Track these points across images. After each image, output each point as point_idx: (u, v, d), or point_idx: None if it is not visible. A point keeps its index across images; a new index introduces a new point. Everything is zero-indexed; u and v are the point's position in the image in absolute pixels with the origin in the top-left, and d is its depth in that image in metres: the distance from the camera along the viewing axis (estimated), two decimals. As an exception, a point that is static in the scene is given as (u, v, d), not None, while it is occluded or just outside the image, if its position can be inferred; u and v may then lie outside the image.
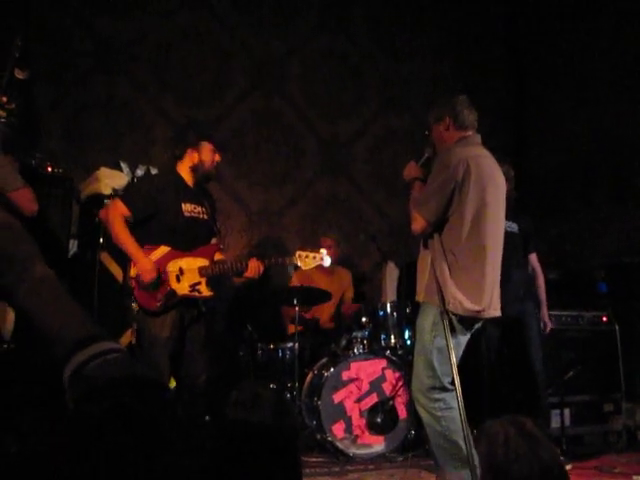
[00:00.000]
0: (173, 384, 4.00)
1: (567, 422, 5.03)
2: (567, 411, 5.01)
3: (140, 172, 5.26)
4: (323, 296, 5.40)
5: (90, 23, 5.81)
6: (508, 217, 4.72)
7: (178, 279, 4.01)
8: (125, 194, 4.25)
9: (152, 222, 4.04)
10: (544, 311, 5.05)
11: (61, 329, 1.01)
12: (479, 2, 7.28)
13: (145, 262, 3.91)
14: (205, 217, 4.20)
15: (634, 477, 4.19)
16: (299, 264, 4.33)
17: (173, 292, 3.96)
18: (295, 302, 5.14)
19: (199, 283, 4.05)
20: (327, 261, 4.38)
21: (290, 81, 6.61)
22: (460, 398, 3.25)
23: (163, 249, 4.02)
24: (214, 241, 4.27)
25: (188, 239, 4.08)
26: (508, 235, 4.64)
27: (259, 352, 5.34)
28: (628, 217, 6.06)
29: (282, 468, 1.58)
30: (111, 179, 4.97)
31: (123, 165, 5.22)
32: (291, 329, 5.61)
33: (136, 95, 5.96)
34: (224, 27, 6.36)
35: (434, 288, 3.45)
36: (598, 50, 6.35)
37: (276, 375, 5.19)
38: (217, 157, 4.22)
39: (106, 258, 4.73)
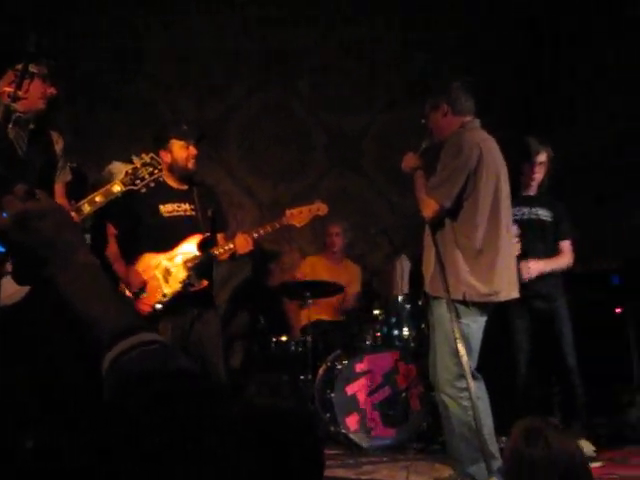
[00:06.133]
0: None
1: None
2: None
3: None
4: (335, 289, 5.42)
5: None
6: (542, 204, 4.69)
7: (166, 280, 4.02)
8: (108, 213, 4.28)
9: (134, 230, 4.15)
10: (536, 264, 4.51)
11: (101, 319, 1.00)
12: None
13: (129, 275, 4.05)
14: (192, 214, 4.21)
15: None
16: (293, 223, 4.31)
17: (164, 294, 3.99)
18: (308, 294, 5.16)
19: (188, 277, 4.06)
20: (324, 209, 4.37)
21: (301, 77, 6.58)
22: (474, 387, 3.27)
23: (145, 255, 4.09)
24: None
25: (171, 238, 4.11)
26: (540, 223, 4.63)
27: (272, 345, 5.34)
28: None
29: (305, 454, 1.57)
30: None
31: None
32: (300, 322, 5.62)
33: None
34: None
35: (442, 277, 3.46)
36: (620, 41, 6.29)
37: (289, 368, 5.19)
38: (192, 151, 4.20)
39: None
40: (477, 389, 3.41)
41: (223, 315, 5.67)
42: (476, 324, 3.51)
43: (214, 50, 6.24)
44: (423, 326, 5.11)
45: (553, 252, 4.64)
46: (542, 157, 4.59)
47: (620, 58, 6.14)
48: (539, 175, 4.64)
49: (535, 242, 4.53)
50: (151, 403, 0.88)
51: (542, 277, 4.52)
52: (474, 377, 3.42)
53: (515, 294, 3.67)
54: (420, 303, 5.14)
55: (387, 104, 6.77)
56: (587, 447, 4.31)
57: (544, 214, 4.68)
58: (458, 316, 3.41)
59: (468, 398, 3.38)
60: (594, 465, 4.09)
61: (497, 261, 3.55)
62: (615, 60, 6.18)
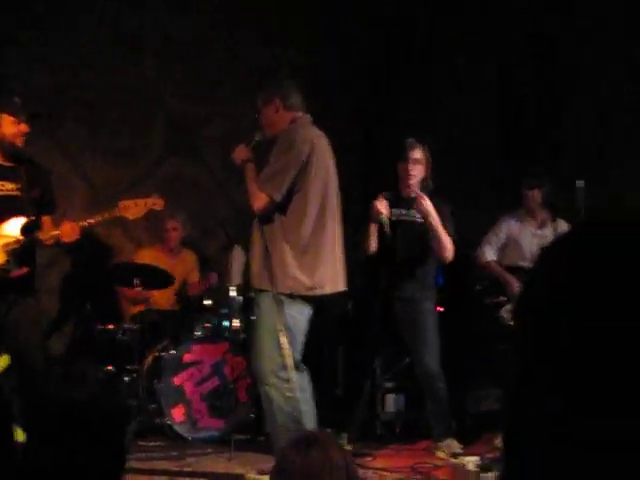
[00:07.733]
0: (4, 363, 3.80)
1: (402, 406, 5.24)
2: (402, 396, 5.21)
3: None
4: (166, 279, 5.30)
5: None
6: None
7: None
8: None
9: None
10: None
11: None
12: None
13: None
14: (16, 194, 3.98)
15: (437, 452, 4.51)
16: (126, 216, 4.21)
17: None
18: (136, 283, 5.02)
19: (7, 262, 3.85)
20: (160, 204, 4.29)
21: (147, 59, 6.39)
22: (297, 379, 3.32)
23: None
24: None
25: None
26: (415, 226, 4.44)
27: (97, 333, 5.16)
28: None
29: (103, 452, 1.53)
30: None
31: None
32: (131, 310, 5.48)
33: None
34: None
35: (268, 270, 3.51)
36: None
37: (115, 357, 5.04)
38: (23, 128, 3.99)
39: None
40: (301, 380, 3.47)
41: (48, 300, 5.42)
42: (302, 316, 3.59)
43: (53, 20, 5.91)
44: (253, 318, 5.11)
45: (428, 256, 4.50)
46: (416, 154, 4.42)
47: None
48: (416, 173, 4.44)
49: (410, 245, 4.45)
50: None
51: (407, 280, 4.47)
52: (298, 368, 3.49)
53: (341, 287, 3.78)
54: (252, 295, 5.14)
55: (231, 95, 6.71)
56: (454, 444, 4.49)
57: (417, 215, 4.47)
58: (283, 308, 3.45)
59: (293, 389, 3.44)
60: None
61: (323, 255, 3.65)
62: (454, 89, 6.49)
